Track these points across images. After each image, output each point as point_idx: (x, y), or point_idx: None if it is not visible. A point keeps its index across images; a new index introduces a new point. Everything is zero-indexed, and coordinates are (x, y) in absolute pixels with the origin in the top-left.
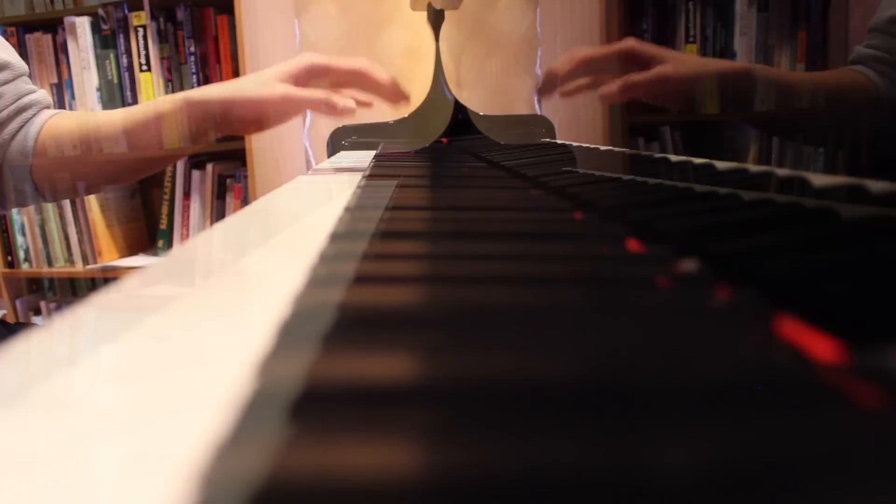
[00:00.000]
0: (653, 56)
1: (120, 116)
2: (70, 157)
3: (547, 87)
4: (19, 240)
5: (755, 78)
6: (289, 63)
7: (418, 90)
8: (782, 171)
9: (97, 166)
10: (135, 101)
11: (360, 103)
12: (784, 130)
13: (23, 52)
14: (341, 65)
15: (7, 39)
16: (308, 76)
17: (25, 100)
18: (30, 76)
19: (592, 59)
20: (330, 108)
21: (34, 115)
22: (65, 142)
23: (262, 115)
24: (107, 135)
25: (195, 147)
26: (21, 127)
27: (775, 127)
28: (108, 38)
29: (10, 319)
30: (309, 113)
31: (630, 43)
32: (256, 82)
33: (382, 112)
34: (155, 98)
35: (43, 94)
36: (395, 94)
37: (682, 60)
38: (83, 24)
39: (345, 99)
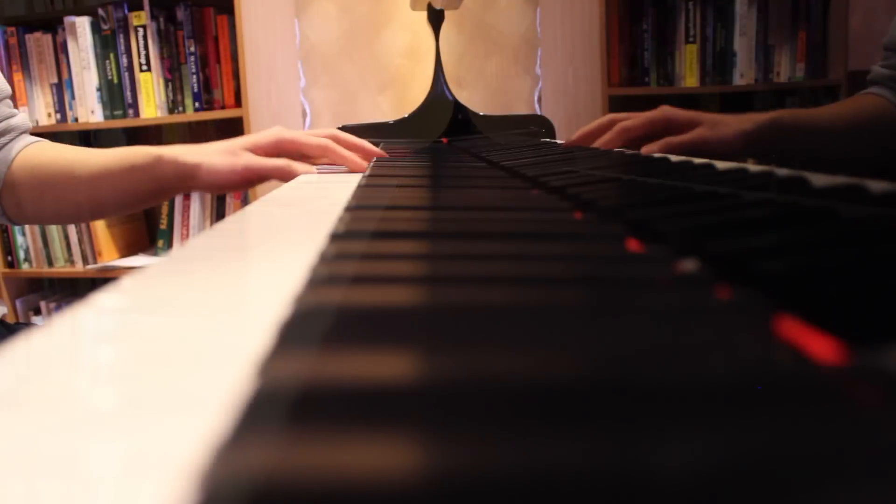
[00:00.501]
0: (689, 120)
1: (94, 159)
2: (41, 190)
3: (577, 142)
4: (19, 240)
5: (783, 125)
6: (259, 135)
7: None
8: (782, 171)
9: (66, 204)
10: (135, 101)
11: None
12: (816, 165)
13: (23, 52)
14: (308, 141)
15: (7, 40)
16: (276, 149)
17: (5, 124)
18: (29, 77)
19: (630, 129)
20: (288, 173)
21: (11, 140)
22: (37, 175)
23: (227, 182)
24: (78, 176)
25: (160, 200)
26: None
27: (806, 166)
28: (108, 38)
29: (10, 319)
30: (309, 114)
31: (664, 110)
32: (226, 151)
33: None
34: (154, 98)
35: (23, 119)
36: (361, 166)
37: (718, 123)
38: (83, 24)
39: (304, 165)
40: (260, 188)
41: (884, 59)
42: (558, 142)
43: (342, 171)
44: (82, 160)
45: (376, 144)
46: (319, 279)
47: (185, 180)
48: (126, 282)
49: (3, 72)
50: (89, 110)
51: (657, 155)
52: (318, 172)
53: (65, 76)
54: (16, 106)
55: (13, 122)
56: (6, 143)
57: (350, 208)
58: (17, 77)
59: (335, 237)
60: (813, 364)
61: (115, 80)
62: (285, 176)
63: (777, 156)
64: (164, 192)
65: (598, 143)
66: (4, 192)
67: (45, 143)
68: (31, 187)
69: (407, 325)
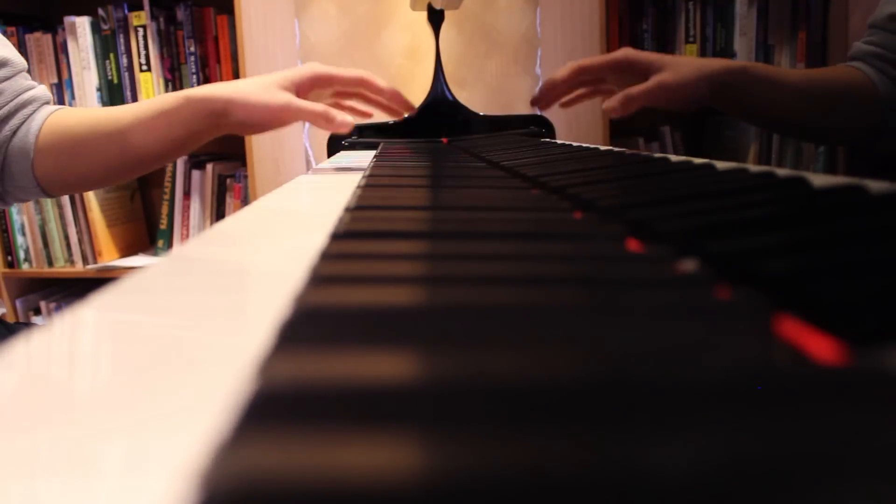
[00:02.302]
0: (650, 62)
1: (121, 113)
2: (72, 152)
3: (544, 95)
4: (19, 240)
5: (752, 75)
6: (293, 70)
7: (418, 90)
8: (782, 171)
9: (99, 162)
10: (135, 101)
11: (360, 113)
12: (782, 128)
13: (23, 52)
14: (344, 73)
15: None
16: (311, 85)
17: (25, 96)
18: (29, 72)
19: (588, 67)
20: (328, 122)
21: (34, 111)
22: (66, 138)
23: (261, 120)
24: (108, 131)
25: (195, 144)
26: (22, 123)
27: (773, 124)
28: (108, 38)
29: (10, 319)
30: None
31: (625, 51)
32: (260, 86)
33: (383, 117)
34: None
35: (43, 90)
36: (398, 102)
37: (679, 65)
38: (83, 24)
39: (342, 113)
40: (260, 187)
41: (867, 35)
42: (558, 142)
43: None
44: (109, 115)
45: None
46: (319, 279)
47: (218, 118)
48: (126, 282)
49: None
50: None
51: (657, 155)
52: (352, 119)
53: (65, 76)
54: None
55: (33, 93)
56: (30, 114)
57: (350, 208)
58: None
59: (335, 237)
60: (813, 364)
61: (115, 80)
62: (324, 122)
63: (740, 108)
64: (198, 134)
65: (554, 78)
66: (37, 163)
67: (69, 108)
68: (60, 151)
69: (406, 325)
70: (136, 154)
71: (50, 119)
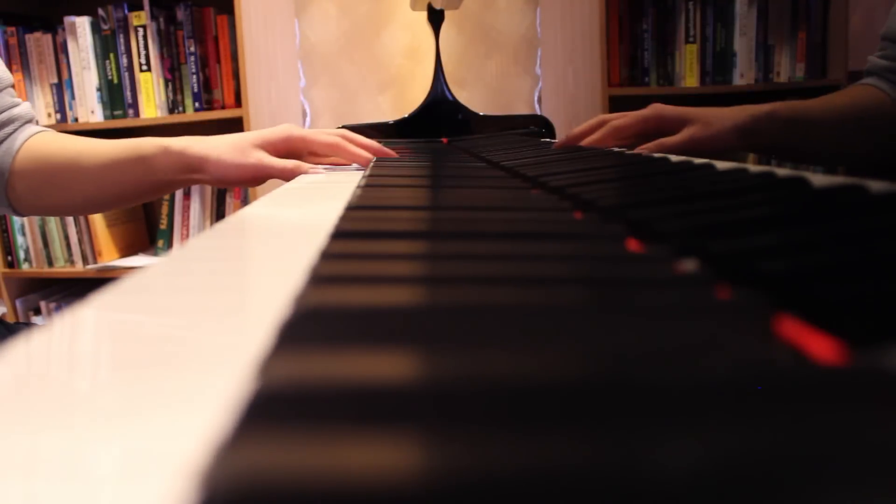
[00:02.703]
0: (681, 118)
1: (101, 149)
2: (48, 181)
3: (568, 142)
4: (19, 240)
5: (777, 119)
6: (269, 130)
7: (418, 90)
8: (782, 171)
9: (74, 195)
10: (135, 101)
11: (338, 163)
12: (812, 159)
13: (23, 52)
14: (319, 138)
15: (7, 39)
16: (285, 145)
17: (8, 114)
18: (29, 77)
19: (621, 128)
20: (296, 175)
21: (15, 130)
22: (43, 165)
23: (234, 178)
24: (85, 167)
25: (170, 190)
26: (2, 141)
27: (805, 159)
28: (108, 38)
29: (10, 319)
30: (309, 114)
31: (655, 108)
32: (234, 146)
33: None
34: (154, 98)
35: (27, 108)
36: (379, 153)
37: (708, 119)
38: (83, 24)
39: (314, 167)
40: (260, 187)
41: (880, 48)
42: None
43: (347, 169)
44: (89, 150)
45: None
46: (319, 279)
47: (192, 172)
48: (126, 282)
49: None
50: (89, 110)
51: (657, 155)
52: (324, 171)
53: (65, 76)
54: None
55: (16, 111)
56: (10, 133)
57: (350, 208)
58: (17, 77)
59: (335, 237)
60: (813, 364)
61: (115, 80)
62: (294, 177)
63: (772, 149)
64: (171, 183)
65: (588, 142)
66: (11, 184)
67: (50, 132)
68: (37, 178)
69: (406, 325)
70: (110, 192)
71: (30, 142)
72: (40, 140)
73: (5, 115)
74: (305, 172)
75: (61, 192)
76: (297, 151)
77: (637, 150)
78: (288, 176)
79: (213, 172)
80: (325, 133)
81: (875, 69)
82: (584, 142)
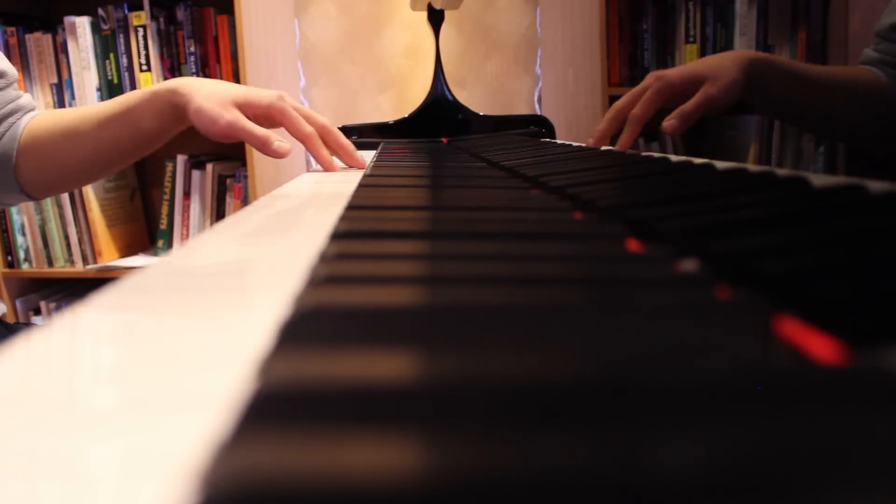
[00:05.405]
0: (689, 79)
1: (93, 111)
2: (49, 154)
3: (601, 138)
4: (19, 240)
5: (776, 65)
6: (257, 92)
7: (418, 90)
8: (782, 171)
9: (76, 161)
10: None
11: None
12: (804, 121)
13: (23, 52)
14: (296, 125)
15: (7, 39)
16: (266, 114)
17: (12, 105)
18: (29, 77)
19: (642, 118)
20: (265, 146)
21: (18, 119)
22: (43, 140)
23: (206, 130)
24: (82, 130)
25: (167, 136)
26: (7, 131)
27: (796, 117)
28: (108, 38)
29: (10, 319)
30: None
31: (661, 78)
32: (217, 96)
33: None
34: None
35: (28, 99)
36: (332, 167)
37: (715, 73)
38: (83, 24)
39: (281, 140)
40: (260, 187)
41: (875, 43)
42: (558, 142)
43: (343, 170)
44: (82, 115)
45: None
46: (320, 279)
47: (180, 114)
48: (126, 282)
49: None
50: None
51: (657, 155)
52: (310, 170)
53: (65, 76)
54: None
55: (20, 102)
56: (14, 122)
57: (350, 208)
58: (17, 77)
59: (335, 237)
60: (813, 364)
61: (115, 80)
62: (261, 145)
63: (773, 102)
64: (167, 125)
65: (621, 145)
66: (19, 168)
67: (47, 111)
68: (41, 153)
69: (407, 325)
70: (109, 150)
71: (31, 124)
72: (37, 120)
73: (11, 107)
74: (271, 144)
75: (64, 162)
76: (275, 122)
77: (665, 125)
78: (257, 144)
79: (193, 117)
80: (305, 123)
81: (869, 61)
82: (618, 145)
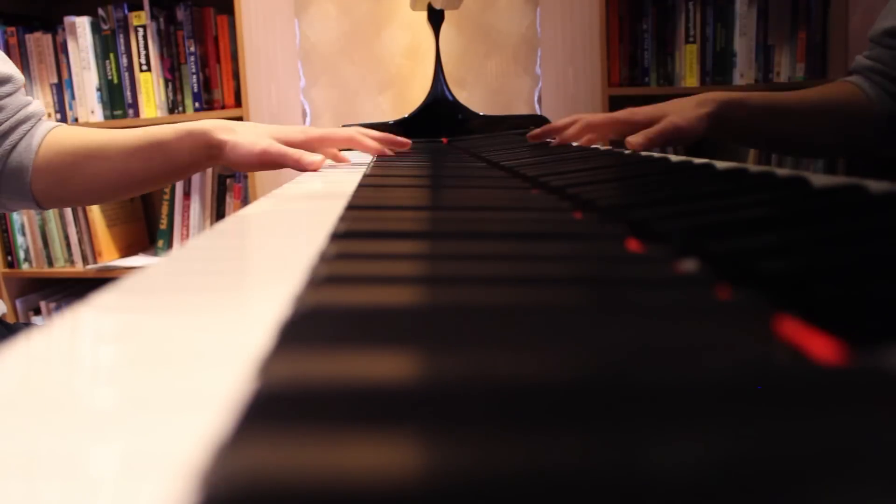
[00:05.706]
0: (650, 116)
1: (123, 138)
2: (72, 171)
3: (543, 135)
4: (19, 240)
5: (746, 105)
6: (289, 128)
7: (418, 90)
8: (782, 171)
9: (100, 183)
10: (135, 102)
11: (337, 159)
12: (779, 147)
13: (23, 52)
14: (335, 135)
15: (7, 39)
16: (304, 145)
17: (25, 111)
18: (29, 77)
19: (592, 125)
20: (297, 163)
21: (32, 126)
22: (66, 157)
23: (244, 162)
24: (109, 155)
25: (194, 171)
26: (21, 139)
27: (770, 145)
28: (108, 38)
29: (10, 319)
30: (309, 114)
31: (628, 110)
32: (253, 134)
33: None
34: (154, 98)
35: (39, 105)
36: (391, 145)
37: (679, 110)
38: (83, 24)
39: (313, 155)
40: (260, 187)
41: (868, 49)
42: (549, 141)
43: (343, 170)
44: (112, 139)
45: None
46: (320, 279)
47: (213, 155)
48: (126, 282)
49: None
50: (89, 110)
51: (657, 155)
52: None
53: (65, 76)
54: None
55: (30, 109)
56: (28, 130)
57: (350, 208)
58: None
59: (335, 237)
60: (813, 364)
61: (115, 80)
62: (298, 166)
63: (738, 135)
64: (198, 163)
65: (562, 138)
66: (34, 179)
67: (66, 126)
68: (63, 170)
69: (407, 326)
70: (138, 177)
71: (50, 136)
72: (60, 133)
73: (22, 113)
74: (303, 160)
75: (88, 182)
76: (314, 150)
77: (629, 142)
78: (290, 162)
79: (229, 155)
80: (342, 130)
81: (859, 68)
82: (559, 138)
